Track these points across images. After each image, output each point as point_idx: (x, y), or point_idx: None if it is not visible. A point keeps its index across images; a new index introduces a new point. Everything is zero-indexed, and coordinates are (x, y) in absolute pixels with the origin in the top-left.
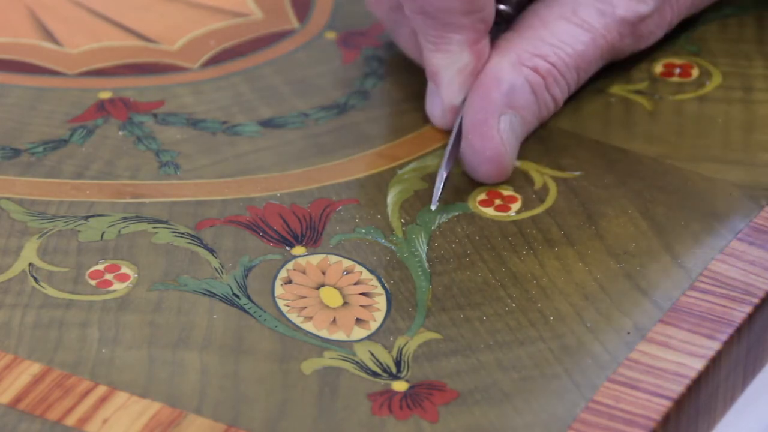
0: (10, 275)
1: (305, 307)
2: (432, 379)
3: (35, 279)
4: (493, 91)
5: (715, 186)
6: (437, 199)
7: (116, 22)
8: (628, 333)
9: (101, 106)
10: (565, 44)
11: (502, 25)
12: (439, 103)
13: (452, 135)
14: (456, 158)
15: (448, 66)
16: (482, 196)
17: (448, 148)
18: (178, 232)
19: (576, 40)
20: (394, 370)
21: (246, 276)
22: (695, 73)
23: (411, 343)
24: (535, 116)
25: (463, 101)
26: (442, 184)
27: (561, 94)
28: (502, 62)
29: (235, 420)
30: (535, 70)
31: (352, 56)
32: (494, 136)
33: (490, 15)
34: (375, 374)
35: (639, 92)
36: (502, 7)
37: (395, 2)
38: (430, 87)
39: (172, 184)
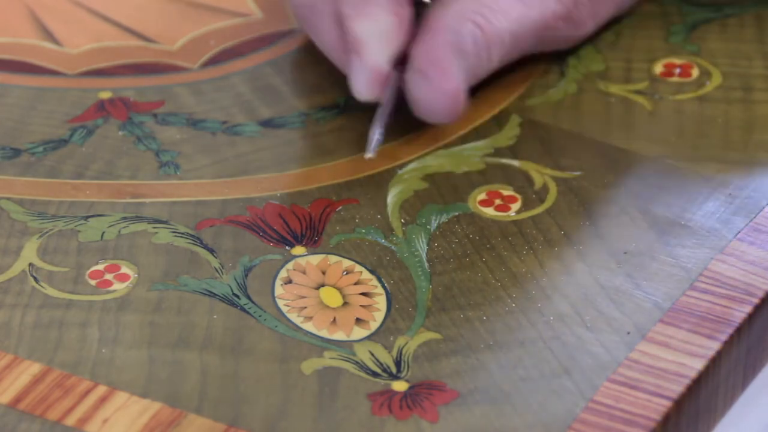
0: (10, 275)
1: (305, 307)
2: (432, 379)
3: (35, 279)
4: (444, 34)
5: (714, 186)
6: (373, 149)
7: (116, 22)
8: (628, 333)
9: (101, 106)
10: (501, 9)
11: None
12: (363, 73)
13: (390, 86)
14: (391, 114)
15: (372, 31)
16: (482, 196)
17: (386, 99)
18: (178, 232)
19: (512, 7)
20: (394, 370)
21: (246, 276)
22: (695, 73)
23: (411, 343)
24: (474, 69)
25: (391, 69)
26: (377, 136)
27: (497, 57)
28: (446, 13)
29: (235, 420)
30: (477, 24)
31: None
32: (453, 71)
33: None
34: (375, 374)
35: (639, 92)
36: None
37: None
38: (353, 62)
39: (172, 184)
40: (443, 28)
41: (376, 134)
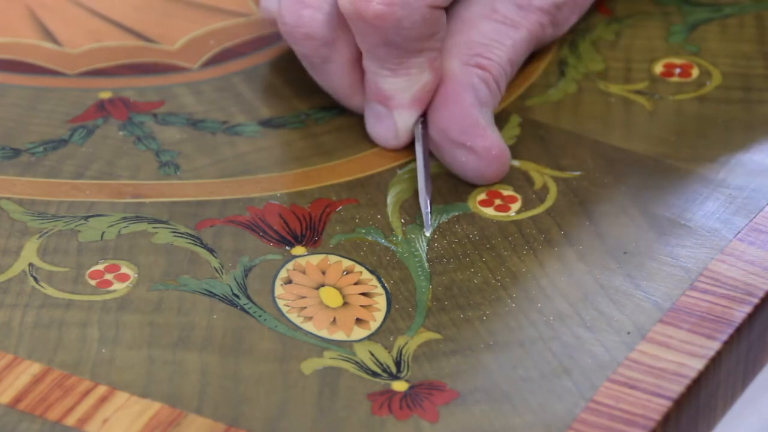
0: (10, 275)
1: (305, 307)
2: (432, 379)
3: (35, 279)
4: (464, 95)
5: (714, 186)
6: (429, 223)
7: (116, 22)
8: (628, 333)
9: (101, 106)
10: (494, 41)
11: None
12: (391, 125)
13: (421, 156)
14: (432, 177)
15: (406, 88)
16: (482, 196)
17: (422, 171)
18: (178, 232)
19: (504, 36)
20: (394, 370)
21: (246, 276)
22: (695, 73)
23: (411, 343)
24: (493, 108)
25: (418, 120)
26: (429, 209)
27: (504, 85)
28: (452, 67)
29: (235, 420)
30: (480, 67)
31: None
32: (491, 134)
33: (445, 31)
34: (375, 374)
35: (639, 92)
36: None
37: (329, 38)
38: (376, 110)
39: (172, 184)
40: (460, 86)
41: (427, 208)
